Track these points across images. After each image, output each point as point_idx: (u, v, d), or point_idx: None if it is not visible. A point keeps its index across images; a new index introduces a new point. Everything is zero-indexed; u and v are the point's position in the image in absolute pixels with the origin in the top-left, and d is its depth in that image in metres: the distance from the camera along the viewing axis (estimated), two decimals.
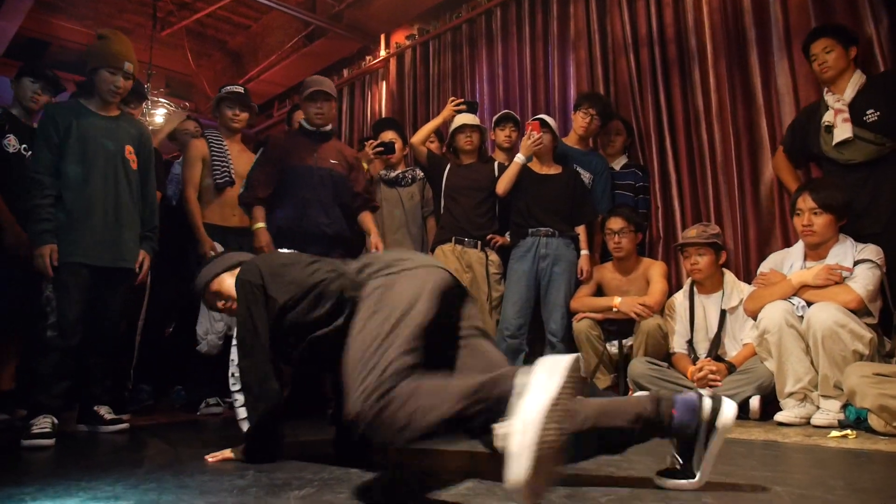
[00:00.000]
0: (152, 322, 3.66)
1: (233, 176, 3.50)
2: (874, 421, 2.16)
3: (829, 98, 2.89)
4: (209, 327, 3.34)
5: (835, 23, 2.99)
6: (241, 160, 3.58)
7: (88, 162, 2.76)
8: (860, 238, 2.67)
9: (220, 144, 3.56)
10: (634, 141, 3.90)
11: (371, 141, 3.94)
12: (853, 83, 2.84)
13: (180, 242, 3.53)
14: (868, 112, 2.75)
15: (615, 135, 3.82)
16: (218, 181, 3.47)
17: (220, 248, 3.37)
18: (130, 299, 3.23)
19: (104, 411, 2.79)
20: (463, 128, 3.77)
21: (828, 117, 2.87)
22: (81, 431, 2.76)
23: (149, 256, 2.99)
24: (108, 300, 2.84)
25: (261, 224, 3.27)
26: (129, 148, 2.92)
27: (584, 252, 3.51)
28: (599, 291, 3.47)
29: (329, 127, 3.48)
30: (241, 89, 3.68)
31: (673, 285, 3.43)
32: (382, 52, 5.86)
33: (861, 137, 2.75)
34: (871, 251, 2.56)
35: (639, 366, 3.00)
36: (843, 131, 2.78)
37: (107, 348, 2.87)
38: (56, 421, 2.51)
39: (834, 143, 2.82)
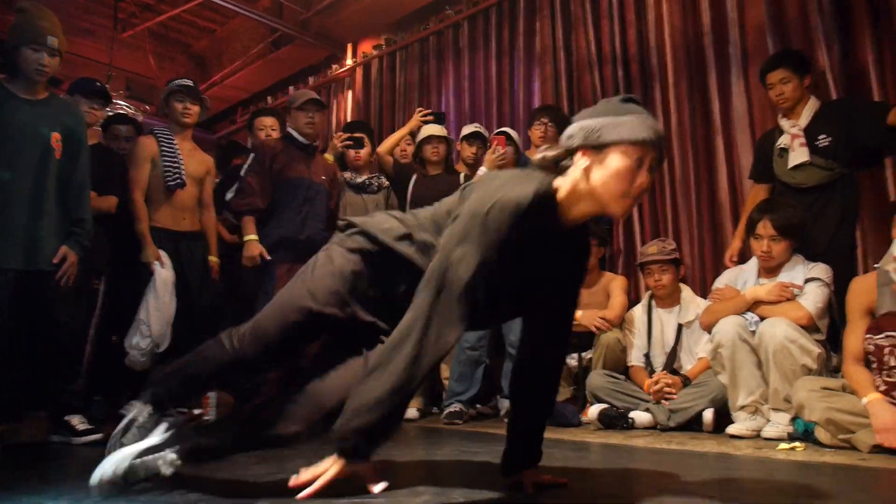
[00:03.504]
0: (107, 331, 3.55)
1: (184, 178, 3.31)
2: (821, 434, 2.23)
3: (784, 123, 2.98)
4: (137, 342, 3.15)
5: (790, 51, 3.08)
6: (192, 160, 3.40)
7: (8, 152, 2.51)
8: (805, 257, 2.76)
9: (171, 143, 3.34)
10: None
11: (340, 133, 3.93)
12: (808, 109, 2.93)
13: (136, 248, 3.40)
14: (820, 137, 2.84)
15: None
16: (170, 183, 3.27)
17: (164, 256, 3.27)
18: (77, 304, 3.11)
19: (76, 421, 2.61)
20: (430, 139, 3.78)
21: (783, 141, 2.95)
22: (54, 443, 2.60)
23: (73, 252, 2.69)
24: (36, 305, 2.60)
25: (253, 236, 3.23)
26: (56, 135, 2.65)
27: None
28: None
29: (317, 141, 3.50)
30: (190, 82, 3.48)
31: (631, 299, 3.49)
32: (349, 61, 5.86)
33: (813, 163, 2.85)
34: (821, 270, 2.65)
35: (597, 378, 3.04)
36: (799, 155, 2.86)
37: (55, 356, 2.68)
38: None
39: (790, 166, 2.90)
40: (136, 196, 3.24)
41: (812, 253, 2.77)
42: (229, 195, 3.43)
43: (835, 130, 2.82)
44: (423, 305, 1.29)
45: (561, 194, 1.38)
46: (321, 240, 3.20)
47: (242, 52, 6.47)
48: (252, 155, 3.42)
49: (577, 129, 1.37)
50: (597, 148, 1.34)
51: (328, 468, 1.32)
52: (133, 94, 6.90)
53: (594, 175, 1.34)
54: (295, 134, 3.43)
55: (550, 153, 1.42)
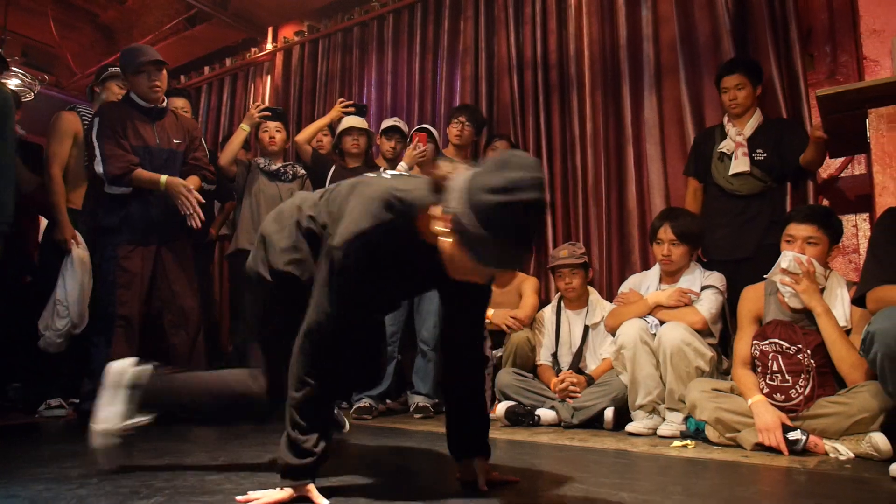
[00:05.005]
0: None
1: None
2: (710, 432, 2.37)
3: (730, 129, 3.08)
4: (49, 323, 3.04)
5: (748, 58, 3.17)
6: None
7: None
8: (733, 262, 2.93)
9: None
10: None
11: (258, 103, 3.83)
12: (753, 120, 3.04)
13: (18, 224, 3.04)
14: (757, 151, 2.98)
15: None
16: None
17: (78, 235, 3.12)
18: None
19: None
20: (350, 130, 3.74)
21: (727, 146, 3.05)
22: None
23: None
24: None
25: (163, 176, 2.90)
26: None
27: None
28: None
29: (164, 102, 3.15)
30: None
31: (542, 299, 3.59)
32: (269, 46, 5.69)
33: (752, 173, 2.97)
34: (716, 278, 2.82)
35: (506, 376, 3.10)
36: (740, 164, 2.98)
37: None
38: None
39: (730, 173, 3.01)
40: (54, 171, 3.11)
41: (741, 258, 2.92)
42: (98, 168, 2.93)
43: (770, 146, 2.96)
44: (298, 359, 1.42)
45: (422, 225, 1.38)
46: (170, 217, 2.94)
47: (155, 26, 6.14)
48: (97, 119, 3.01)
49: (461, 194, 1.23)
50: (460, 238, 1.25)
51: (275, 494, 1.39)
52: (30, 62, 6.40)
53: (450, 247, 1.29)
54: (135, 97, 3.07)
55: (443, 177, 1.30)
